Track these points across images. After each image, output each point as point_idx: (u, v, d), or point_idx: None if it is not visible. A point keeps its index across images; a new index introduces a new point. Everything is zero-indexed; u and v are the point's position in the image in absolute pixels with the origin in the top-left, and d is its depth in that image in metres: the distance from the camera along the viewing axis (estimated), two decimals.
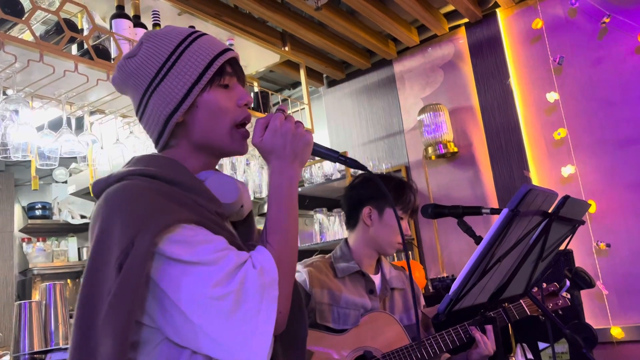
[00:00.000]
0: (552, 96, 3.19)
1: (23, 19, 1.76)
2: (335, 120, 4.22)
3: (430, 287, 3.08)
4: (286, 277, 0.92)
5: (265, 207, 1.56)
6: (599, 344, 2.79)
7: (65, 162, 4.14)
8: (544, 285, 1.81)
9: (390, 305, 1.83)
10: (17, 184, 4.40)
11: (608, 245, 2.95)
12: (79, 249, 4.84)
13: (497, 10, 3.45)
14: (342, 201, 1.94)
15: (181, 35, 1.02)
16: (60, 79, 1.88)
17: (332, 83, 4.28)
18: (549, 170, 3.22)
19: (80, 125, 2.16)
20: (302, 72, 3.19)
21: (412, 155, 3.77)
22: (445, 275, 3.35)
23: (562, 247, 1.34)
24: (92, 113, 2.20)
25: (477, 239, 1.33)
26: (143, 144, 2.23)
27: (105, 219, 0.89)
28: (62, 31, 1.84)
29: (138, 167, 0.97)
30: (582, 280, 1.78)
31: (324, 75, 4.28)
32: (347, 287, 1.78)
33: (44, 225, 4.66)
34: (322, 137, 4.12)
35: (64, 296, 2.11)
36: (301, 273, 1.76)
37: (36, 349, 1.92)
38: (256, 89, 2.90)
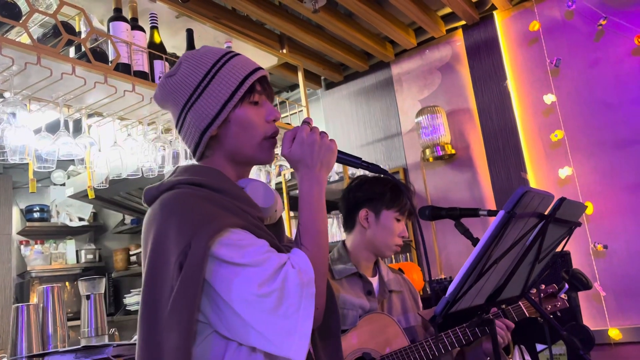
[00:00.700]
0: (549, 98, 3.20)
1: (20, 21, 1.76)
2: (333, 123, 4.22)
3: (428, 289, 3.08)
4: (320, 275, 1.02)
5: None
6: (596, 346, 2.80)
7: (63, 164, 4.14)
8: (542, 286, 1.81)
9: (388, 308, 1.83)
10: (15, 187, 4.39)
11: (605, 247, 2.96)
12: (77, 251, 4.84)
13: (494, 12, 3.46)
14: (339, 203, 1.94)
15: (216, 56, 1.12)
16: (58, 81, 1.88)
17: (329, 85, 4.29)
18: (546, 172, 3.22)
19: (78, 128, 2.16)
20: (300, 75, 3.19)
21: (410, 157, 3.77)
22: (443, 277, 3.35)
23: (559, 249, 1.34)
24: (89, 116, 2.20)
25: (475, 241, 1.33)
26: (141, 147, 2.23)
27: (162, 223, 0.99)
28: (59, 34, 1.84)
29: (185, 176, 1.07)
30: (580, 282, 1.77)
31: (322, 78, 4.28)
32: (344, 288, 1.78)
33: (42, 228, 4.66)
34: None
35: (61, 299, 2.11)
36: None
37: (34, 352, 1.92)
38: None
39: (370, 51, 3.79)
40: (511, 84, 3.38)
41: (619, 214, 2.96)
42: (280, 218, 1.21)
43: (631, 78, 2.98)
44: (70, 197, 3.73)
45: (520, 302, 1.79)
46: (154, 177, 2.32)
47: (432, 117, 3.50)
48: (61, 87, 1.94)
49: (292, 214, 3.58)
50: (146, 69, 2.14)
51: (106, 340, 2.08)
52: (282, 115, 2.95)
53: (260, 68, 1.14)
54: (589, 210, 3.01)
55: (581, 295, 2.85)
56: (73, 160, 2.10)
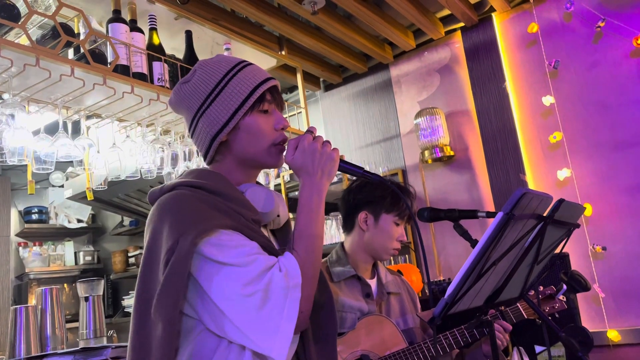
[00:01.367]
0: (548, 100, 3.20)
1: (19, 23, 1.75)
2: (332, 124, 4.22)
3: (426, 291, 3.08)
4: (309, 280, 1.05)
5: None
6: (595, 347, 2.80)
7: (61, 166, 4.12)
8: (541, 288, 1.81)
9: (386, 310, 1.83)
10: (13, 188, 4.39)
11: (604, 248, 2.96)
12: (75, 253, 4.84)
13: (493, 14, 3.47)
14: (339, 205, 1.94)
15: (229, 65, 1.17)
16: (57, 83, 1.88)
17: (328, 87, 4.29)
18: (545, 174, 3.23)
19: (76, 130, 2.16)
20: (299, 76, 3.19)
21: (409, 159, 3.78)
22: (442, 278, 3.35)
23: (557, 250, 1.34)
24: (88, 117, 2.20)
25: (473, 242, 1.33)
26: (139, 148, 2.22)
27: (157, 223, 1.04)
28: (58, 35, 1.84)
29: (187, 179, 1.13)
30: (578, 284, 1.77)
31: (321, 79, 4.28)
32: (343, 291, 1.78)
33: (41, 230, 4.66)
34: None
35: (60, 301, 2.10)
36: None
37: (32, 353, 1.91)
38: None
39: (369, 53, 3.80)
40: (510, 85, 3.39)
41: (617, 216, 2.97)
42: (287, 223, 1.26)
43: (629, 80, 2.98)
44: (68, 198, 3.72)
45: (518, 304, 1.79)
46: (152, 178, 2.32)
47: (430, 118, 3.50)
48: (60, 89, 1.94)
49: (291, 215, 3.57)
50: (145, 70, 2.14)
51: (105, 342, 2.08)
52: None
53: (271, 78, 1.18)
54: (588, 211, 3.02)
55: (580, 296, 2.85)
56: (72, 161, 2.10)
